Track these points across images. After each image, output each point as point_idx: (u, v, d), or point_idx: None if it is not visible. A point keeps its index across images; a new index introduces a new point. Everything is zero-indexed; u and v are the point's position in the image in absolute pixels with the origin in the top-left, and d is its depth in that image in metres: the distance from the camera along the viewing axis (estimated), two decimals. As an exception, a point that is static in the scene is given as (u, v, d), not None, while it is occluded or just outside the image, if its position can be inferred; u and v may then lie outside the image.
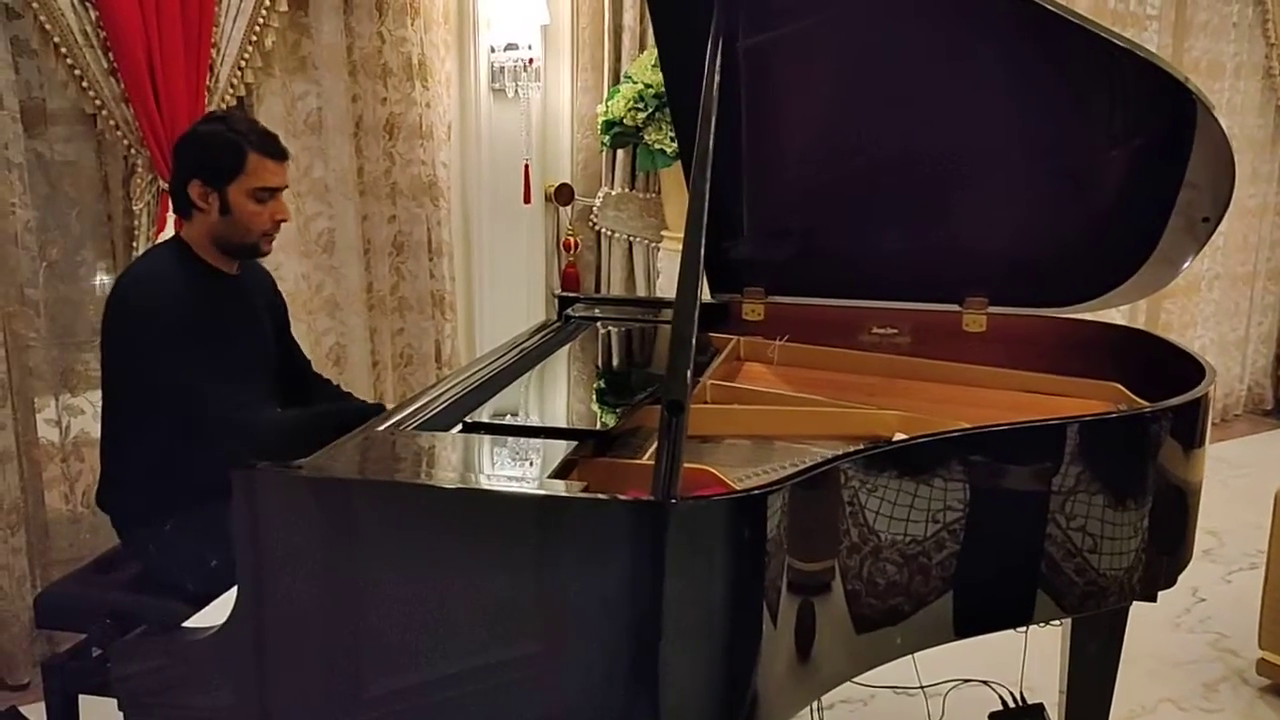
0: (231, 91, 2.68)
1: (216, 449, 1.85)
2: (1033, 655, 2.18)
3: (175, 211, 2.04)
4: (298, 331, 2.89)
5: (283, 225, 2.02)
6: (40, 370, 2.65)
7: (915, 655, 1.64)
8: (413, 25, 2.98)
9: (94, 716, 1.80)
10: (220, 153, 1.91)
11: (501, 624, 1.27)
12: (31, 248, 2.58)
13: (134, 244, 2.63)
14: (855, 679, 1.53)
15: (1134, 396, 1.94)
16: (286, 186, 2.00)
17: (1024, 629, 1.83)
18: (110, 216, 2.71)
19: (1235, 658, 2.77)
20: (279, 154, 1.96)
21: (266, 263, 2.16)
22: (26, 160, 2.55)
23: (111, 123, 2.53)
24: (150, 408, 1.90)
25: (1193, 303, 4.75)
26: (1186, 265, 2.12)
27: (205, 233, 1.96)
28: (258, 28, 2.70)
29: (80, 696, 1.81)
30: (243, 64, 2.69)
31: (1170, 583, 1.80)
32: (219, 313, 1.95)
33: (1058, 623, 1.85)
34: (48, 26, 2.42)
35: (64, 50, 2.45)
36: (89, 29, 2.46)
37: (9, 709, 2.33)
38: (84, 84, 2.49)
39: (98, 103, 2.51)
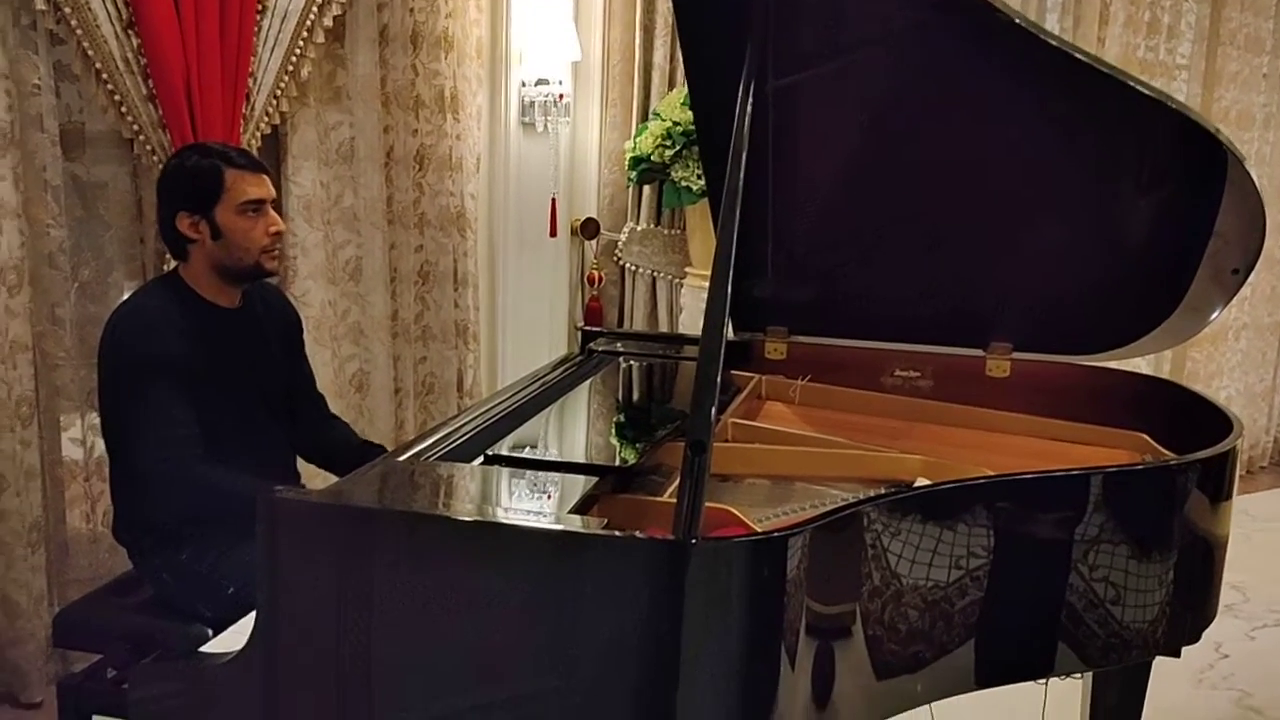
0: (266, 120, 2.72)
1: (158, 491, 1.86)
2: (1052, 708, 2.14)
3: (171, 255, 2.02)
4: (322, 358, 2.92)
5: (310, 251, 2.02)
6: (67, 389, 2.68)
7: (933, 705, 1.62)
8: (446, 59, 3.02)
9: (106, 738, 1.80)
10: (198, 179, 1.92)
11: (516, 659, 1.27)
12: (64, 268, 2.61)
13: (164, 267, 2.66)
14: (872, 726, 1.52)
15: (1159, 447, 1.92)
16: (273, 198, 2.00)
17: (1044, 681, 1.81)
18: (143, 239, 2.75)
19: (1259, 716, 2.72)
20: (255, 166, 1.97)
21: (296, 288, 2.16)
22: (64, 182, 2.60)
23: (148, 148, 2.57)
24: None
25: (1219, 352, 4.71)
26: (1215, 316, 2.10)
27: (204, 265, 1.95)
28: (294, 58, 2.74)
29: (94, 717, 1.81)
30: (278, 93, 2.73)
31: (1195, 638, 1.77)
32: (202, 350, 1.92)
33: (1078, 676, 1.83)
34: (90, 52, 2.47)
35: (105, 76, 2.49)
36: (130, 56, 2.50)
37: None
38: (123, 109, 2.53)
39: (135, 128, 2.55)
